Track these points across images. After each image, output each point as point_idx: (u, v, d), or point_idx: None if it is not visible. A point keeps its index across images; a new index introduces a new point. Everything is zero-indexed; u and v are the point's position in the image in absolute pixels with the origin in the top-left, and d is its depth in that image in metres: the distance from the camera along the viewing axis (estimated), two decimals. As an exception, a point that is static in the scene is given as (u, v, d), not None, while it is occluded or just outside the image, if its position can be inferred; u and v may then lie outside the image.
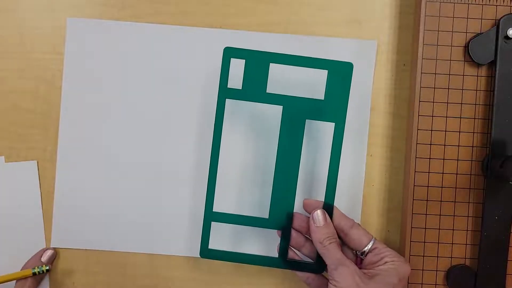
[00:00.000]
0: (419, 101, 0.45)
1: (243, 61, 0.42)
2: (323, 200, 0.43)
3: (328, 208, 0.43)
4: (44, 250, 0.48)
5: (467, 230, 0.45)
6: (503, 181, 0.44)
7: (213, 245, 0.44)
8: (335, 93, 0.43)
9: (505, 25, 0.43)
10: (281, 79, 0.46)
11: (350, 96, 0.47)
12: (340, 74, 0.42)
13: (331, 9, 0.48)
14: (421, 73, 0.45)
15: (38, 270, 0.46)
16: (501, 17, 0.43)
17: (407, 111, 0.48)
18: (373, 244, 0.42)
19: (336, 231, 0.43)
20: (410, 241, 0.45)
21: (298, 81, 0.47)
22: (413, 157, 0.45)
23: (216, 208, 0.44)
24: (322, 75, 0.43)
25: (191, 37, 0.48)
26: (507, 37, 0.43)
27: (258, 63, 0.42)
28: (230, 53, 0.42)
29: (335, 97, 0.43)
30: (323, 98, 0.43)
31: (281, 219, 0.44)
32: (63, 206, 0.48)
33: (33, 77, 0.48)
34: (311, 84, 0.47)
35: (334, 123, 0.43)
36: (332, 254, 0.41)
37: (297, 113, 0.43)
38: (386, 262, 0.41)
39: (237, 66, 0.42)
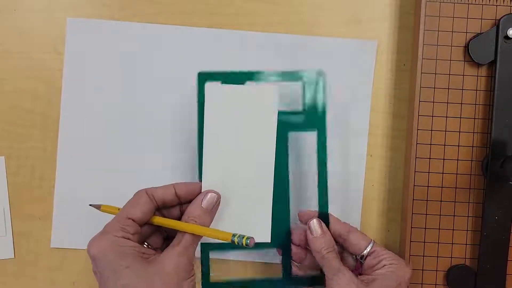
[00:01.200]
0: (419, 101, 0.45)
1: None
2: (317, 209, 0.43)
3: (324, 216, 0.43)
4: (205, 193, 0.40)
5: (467, 230, 0.45)
6: (503, 181, 0.44)
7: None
8: (312, 102, 0.43)
9: (505, 25, 0.43)
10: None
11: (350, 95, 0.48)
12: (313, 82, 0.43)
13: (331, 9, 0.48)
14: (421, 73, 0.45)
15: (238, 240, 0.37)
16: (501, 17, 0.43)
17: (407, 111, 0.48)
18: (371, 247, 0.42)
19: (334, 238, 0.42)
20: (410, 241, 0.45)
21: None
22: (413, 157, 0.45)
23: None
24: (299, 86, 0.43)
25: (191, 37, 0.48)
26: (507, 37, 0.43)
27: (234, 83, 0.42)
28: (204, 77, 0.42)
29: (314, 106, 0.43)
30: (301, 109, 0.43)
31: (279, 236, 0.43)
32: (63, 206, 0.48)
33: (33, 77, 0.48)
34: (290, 96, 0.45)
35: (316, 131, 0.43)
36: (330, 263, 0.41)
37: (279, 127, 0.42)
38: (384, 266, 0.41)
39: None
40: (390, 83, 0.48)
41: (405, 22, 0.48)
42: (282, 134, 0.43)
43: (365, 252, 0.42)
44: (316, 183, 0.43)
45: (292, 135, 0.43)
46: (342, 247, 0.43)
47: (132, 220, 0.38)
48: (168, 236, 0.42)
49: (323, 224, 0.42)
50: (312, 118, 0.43)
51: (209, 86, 0.42)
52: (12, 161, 0.48)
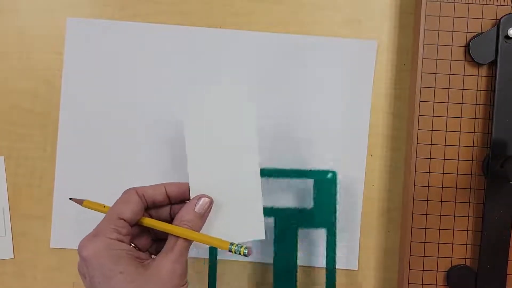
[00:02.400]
0: (419, 101, 0.45)
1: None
2: None
3: None
4: (198, 198, 0.38)
5: (467, 230, 0.45)
6: (503, 181, 0.44)
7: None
8: (323, 200, 0.44)
9: (505, 24, 0.43)
10: (270, 189, 0.47)
11: (350, 95, 0.47)
12: (325, 182, 0.44)
13: (331, 9, 0.48)
14: (421, 73, 0.45)
15: (236, 249, 0.36)
16: (502, 17, 0.43)
17: (407, 111, 0.48)
18: None
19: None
20: (411, 241, 0.45)
21: (287, 190, 0.47)
22: (414, 157, 0.45)
23: None
24: (310, 183, 0.45)
25: (191, 37, 0.48)
26: (507, 37, 0.43)
27: None
28: None
29: (324, 204, 0.44)
30: (312, 206, 0.44)
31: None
32: (63, 206, 0.48)
33: (33, 77, 0.48)
34: (300, 192, 0.47)
35: (325, 229, 0.44)
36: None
37: (288, 223, 0.44)
38: None
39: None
40: (390, 83, 0.48)
41: (405, 22, 0.48)
42: (292, 230, 0.44)
43: None
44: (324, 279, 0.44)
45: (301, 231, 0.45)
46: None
47: (124, 220, 0.36)
48: (156, 238, 0.40)
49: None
50: (322, 216, 0.44)
51: (189, 97, 0.43)
52: (12, 161, 0.48)
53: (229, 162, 0.40)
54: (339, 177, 0.47)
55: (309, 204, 0.44)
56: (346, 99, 0.48)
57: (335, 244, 0.44)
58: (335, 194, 0.44)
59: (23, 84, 0.48)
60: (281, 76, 0.48)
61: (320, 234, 0.45)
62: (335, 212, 0.44)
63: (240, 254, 0.36)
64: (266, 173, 0.43)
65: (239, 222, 0.40)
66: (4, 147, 0.48)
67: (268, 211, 0.43)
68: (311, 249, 0.47)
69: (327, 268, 0.44)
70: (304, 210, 0.44)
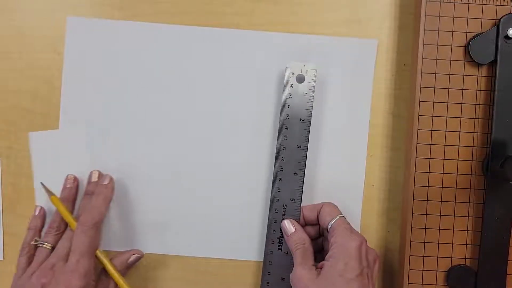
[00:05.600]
0: (419, 101, 0.45)
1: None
2: None
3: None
4: (133, 252, 0.47)
5: (467, 230, 0.45)
6: (503, 181, 0.44)
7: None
8: None
9: (505, 25, 0.43)
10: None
11: (350, 95, 0.48)
12: None
13: (331, 9, 0.48)
14: (421, 73, 0.45)
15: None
16: (501, 17, 0.43)
17: (407, 111, 0.48)
18: (334, 222, 0.42)
19: (313, 222, 0.45)
20: (410, 241, 0.45)
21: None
22: (413, 157, 0.45)
23: None
24: None
25: (191, 37, 0.48)
26: (507, 37, 0.43)
27: None
28: None
29: None
30: None
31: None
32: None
33: (33, 77, 0.48)
34: None
35: None
36: (295, 259, 0.42)
37: None
38: (332, 245, 0.41)
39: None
40: (390, 83, 0.48)
41: (405, 22, 0.48)
42: None
43: (329, 227, 0.42)
44: None
45: None
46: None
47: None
48: None
49: (294, 223, 0.44)
50: None
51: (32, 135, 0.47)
52: (11, 161, 0.48)
53: None
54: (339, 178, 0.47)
55: None
56: (346, 99, 0.48)
57: None
58: None
59: (23, 84, 0.48)
60: (280, 75, 0.48)
61: None
62: None
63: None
64: None
65: None
66: (4, 147, 0.48)
67: None
68: None
69: None
70: None
